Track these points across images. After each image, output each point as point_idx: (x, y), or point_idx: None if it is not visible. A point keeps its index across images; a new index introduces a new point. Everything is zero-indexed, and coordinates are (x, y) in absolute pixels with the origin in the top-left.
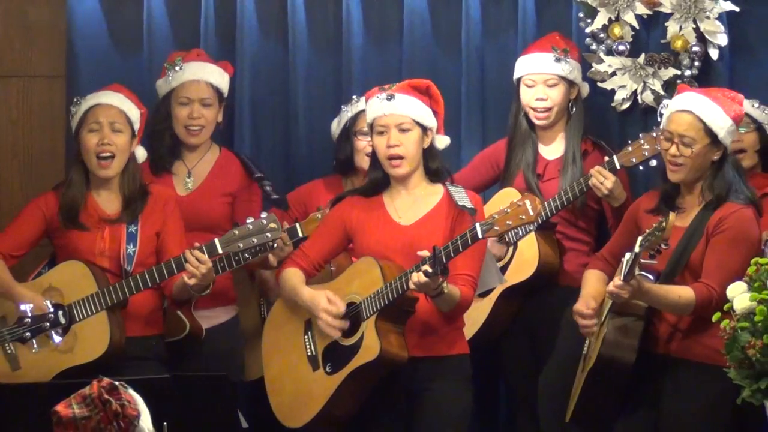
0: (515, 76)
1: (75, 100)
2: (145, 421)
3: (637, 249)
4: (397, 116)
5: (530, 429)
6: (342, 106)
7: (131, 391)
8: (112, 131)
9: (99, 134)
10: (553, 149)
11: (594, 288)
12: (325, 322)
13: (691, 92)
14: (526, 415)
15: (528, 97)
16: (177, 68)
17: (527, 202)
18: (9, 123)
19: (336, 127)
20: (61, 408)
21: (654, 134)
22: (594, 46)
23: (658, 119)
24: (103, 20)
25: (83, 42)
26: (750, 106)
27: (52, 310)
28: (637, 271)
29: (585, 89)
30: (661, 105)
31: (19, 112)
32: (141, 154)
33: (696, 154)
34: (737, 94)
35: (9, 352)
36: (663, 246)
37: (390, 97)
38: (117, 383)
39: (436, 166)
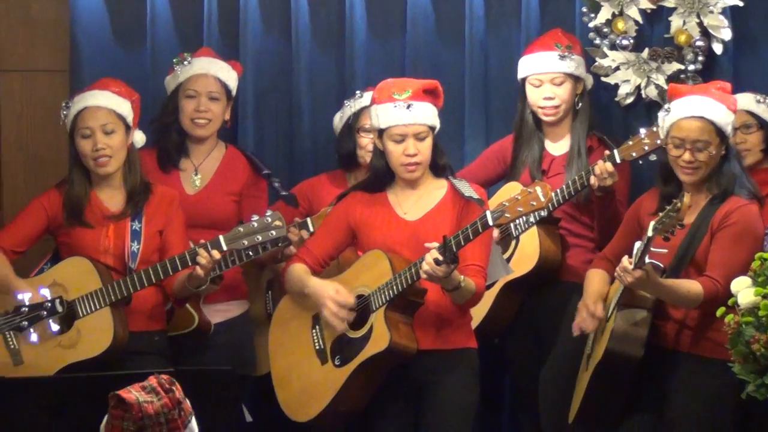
0: (520, 75)
1: (64, 104)
2: (194, 422)
3: (650, 233)
4: (416, 126)
5: (533, 424)
6: (345, 101)
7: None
8: (105, 134)
9: (92, 140)
10: (559, 145)
11: (599, 287)
12: (330, 310)
13: (693, 96)
14: (529, 410)
15: (535, 96)
16: (186, 63)
17: (538, 189)
18: (13, 117)
19: (339, 121)
20: (122, 392)
21: (655, 129)
22: (597, 41)
23: (659, 124)
24: (106, 15)
25: (86, 37)
26: (755, 102)
27: (49, 298)
28: (647, 258)
29: (589, 81)
30: (663, 109)
31: (23, 106)
32: (139, 138)
33: (712, 156)
34: (725, 83)
35: (12, 346)
36: (678, 227)
37: (409, 106)
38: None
39: (443, 162)
